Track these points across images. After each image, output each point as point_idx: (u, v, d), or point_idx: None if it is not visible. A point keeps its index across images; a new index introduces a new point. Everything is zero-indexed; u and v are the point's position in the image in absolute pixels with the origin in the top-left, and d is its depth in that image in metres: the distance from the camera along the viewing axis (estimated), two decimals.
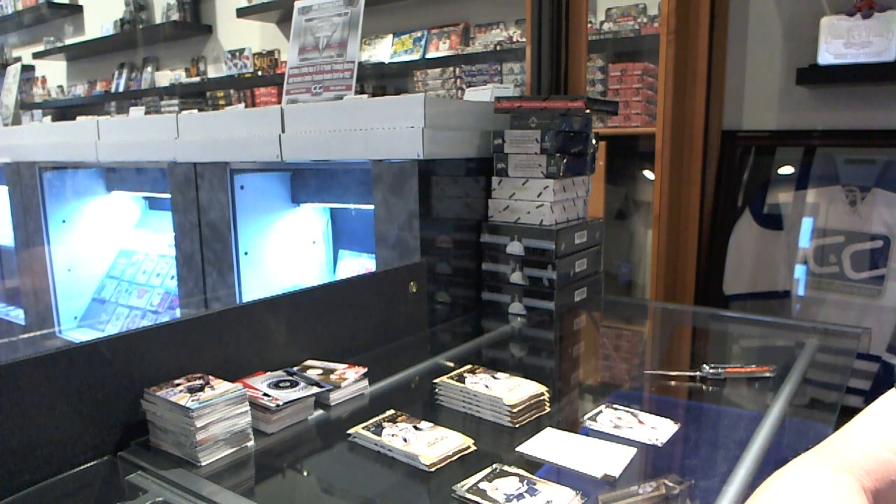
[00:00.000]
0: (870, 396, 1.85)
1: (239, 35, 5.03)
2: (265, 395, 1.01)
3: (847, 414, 1.07)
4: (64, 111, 6.52)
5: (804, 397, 1.18)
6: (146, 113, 2.48)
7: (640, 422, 1.02)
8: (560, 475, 0.88)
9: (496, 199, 1.70)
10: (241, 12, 4.60)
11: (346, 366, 1.17)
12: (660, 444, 0.95)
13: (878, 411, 0.69)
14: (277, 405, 0.99)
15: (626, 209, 2.81)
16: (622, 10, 3.15)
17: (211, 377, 0.98)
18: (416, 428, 0.97)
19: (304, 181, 2.06)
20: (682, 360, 1.53)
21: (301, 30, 1.92)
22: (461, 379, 1.11)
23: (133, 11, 5.62)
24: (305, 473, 0.95)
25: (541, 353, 1.52)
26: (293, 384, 1.07)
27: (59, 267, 2.63)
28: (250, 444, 0.95)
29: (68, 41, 6.44)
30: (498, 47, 3.56)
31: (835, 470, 0.63)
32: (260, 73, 4.75)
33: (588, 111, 1.62)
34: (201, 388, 0.93)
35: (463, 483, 0.83)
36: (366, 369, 1.15)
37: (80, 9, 6.39)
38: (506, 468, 0.86)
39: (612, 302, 1.92)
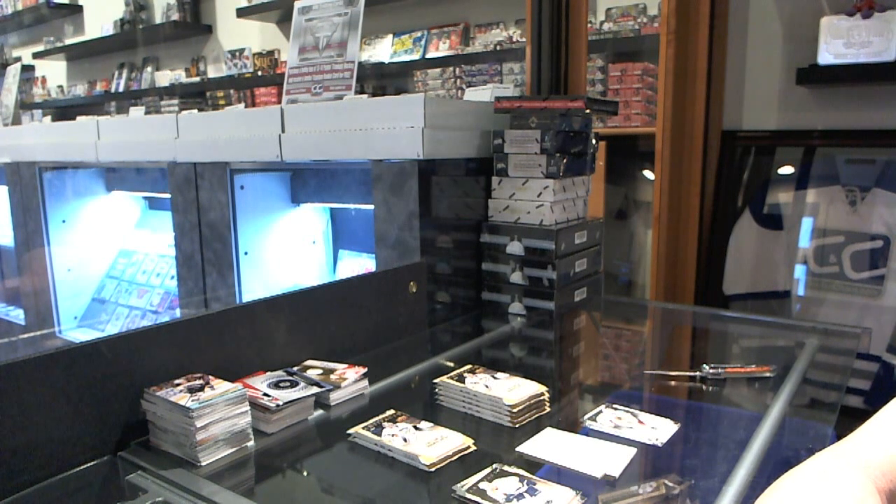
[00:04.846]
0: (870, 396, 1.86)
1: (239, 35, 5.03)
2: (265, 395, 1.01)
3: (847, 414, 1.07)
4: (64, 111, 6.52)
5: (804, 397, 1.18)
6: (146, 113, 2.48)
7: (640, 422, 1.02)
8: (560, 475, 0.88)
9: (496, 199, 1.70)
10: (241, 12, 4.60)
11: (346, 366, 1.17)
12: (660, 444, 0.95)
13: (894, 412, 0.69)
14: (277, 405, 0.99)
15: (626, 209, 2.81)
16: (622, 10, 3.15)
17: (211, 377, 0.98)
18: (416, 428, 0.97)
19: (304, 181, 2.06)
20: (682, 360, 1.53)
21: (301, 30, 1.92)
22: (461, 379, 1.11)
23: (133, 11, 5.62)
24: (305, 473, 0.95)
25: (541, 353, 1.52)
26: (293, 384, 1.07)
27: (59, 267, 2.63)
28: (250, 444, 0.95)
29: (68, 41, 6.44)
30: (498, 47, 3.56)
31: (849, 469, 0.63)
32: (260, 73, 4.75)
33: (588, 111, 1.62)
34: (201, 388, 0.93)
35: (463, 483, 0.83)
36: (366, 369, 1.15)
37: (80, 9, 6.39)
38: (506, 468, 0.86)
39: (612, 302, 1.92)
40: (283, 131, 1.74)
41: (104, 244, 2.80)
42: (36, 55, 6.60)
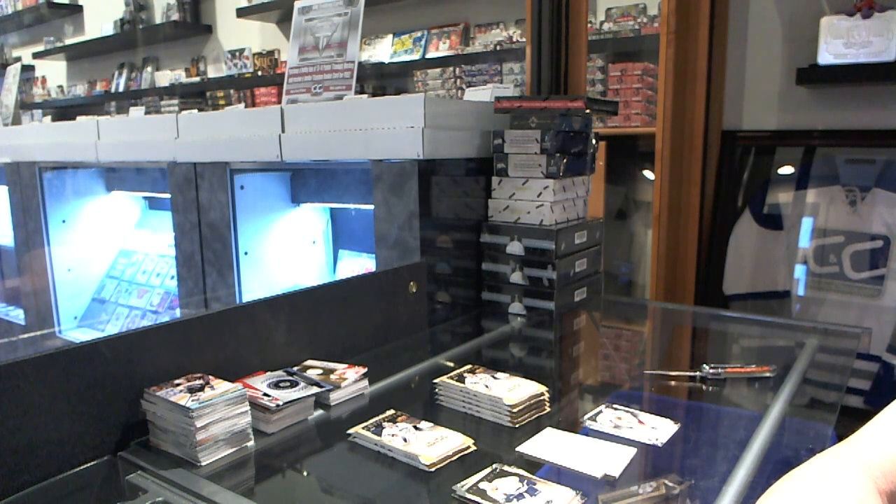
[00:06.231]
0: (870, 396, 1.86)
1: (239, 35, 5.03)
2: (265, 395, 1.01)
3: (847, 414, 1.07)
4: (64, 111, 6.52)
5: (804, 397, 1.18)
6: (146, 113, 2.48)
7: (640, 422, 1.02)
8: (560, 475, 0.88)
9: (496, 199, 1.70)
10: (241, 12, 4.60)
11: (346, 366, 1.17)
12: (660, 444, 0.95)
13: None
14: (277, 405, 0.99)
15: (626, 209, 2.81)
16: (622, 10, 3.15)
17: (211, 377, 0.98)
18: (416, 428, 0.97)
19: (304, 181, 2.06)
20: (682, 360, 1.53)
21: (301, 30, 1.92)
22: (461, 379, 1.11)
23: (133, 11, 5.62)
24: (305, 473, 0.95)
25: (541, 353, 1.52)
26: (293, 384, 1.07)
27: (59, 267, 2.63)
28: (250, 444, 0.95)
29: (68, 41, 6.44)
30: (498, 47, 3.56)
31: (850, 470, 0.63)
32: (260, 73, 4.75)
33: (588, 111, 1.62)
34: (201, 388, 0.93)
35: (463, 483, 0.83)
36: (366, 369, 1.15)
37: (80, 9, 6.39)
38: (506, 468, 0.86)
39: (612, 302, 1.92)
40: (283, 131, 1.74)
41: (104, 244, 2.80)
42: (36, 55, 6.60)
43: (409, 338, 1.46)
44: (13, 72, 3.11)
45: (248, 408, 0.95)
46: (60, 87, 6.74)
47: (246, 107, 3.24)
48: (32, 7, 6.40)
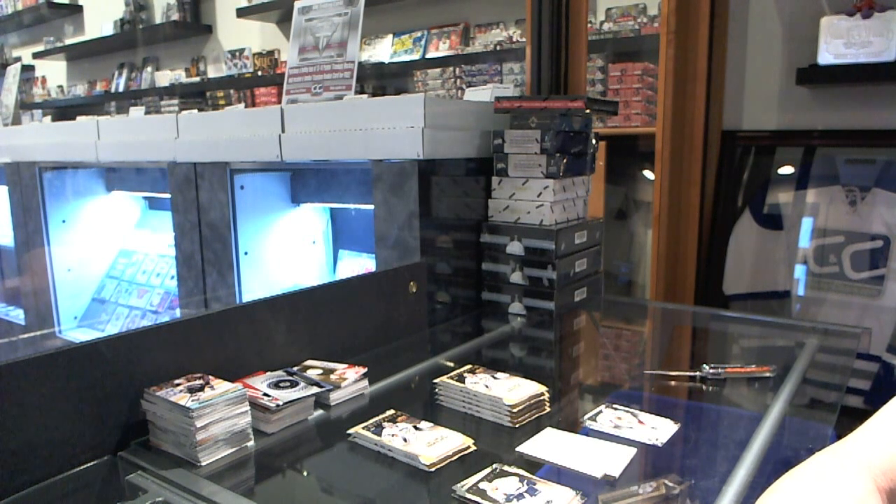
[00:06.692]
0: (870, 396, 1.85)
1: (239, 35, 5.03)
2: (265, 395, 1.01)
3: (847, 414, 1.07)
4: (64, 111, 6.52)
5: (804, 397, 1.18)
6: (146, 113, 2.48)
7: (640, 422, 1.02)
8: (560, 475, 0.88)
9: (496, 199, 1.70)
10: (241, 12, 4.61)
11: (346, 366, 1.17)
12: (660, 444, 0.95)
13: (894, 411, 0.69)
14: (277, 405, 0.99)
15: (626, 209, 2.81)
16: (622, 10, 3.15)
17: (211, 377, 0.98)
18: (416, 428, 0.97)
19: (304, 181, 2.06)
20: (682, 360, 1.53)
21: (301, 30, 1.92)
22: (461, 379, 1.11)
23: (133, 11, 5.62)
24: (305, 473, 0.95)
25: (541, 353, 1.52)
26: (293, 384, 1.07)
27: (59, 267, 2.63)
28: (250, 444, 0.95)
29: (68, 41, 6.44)
30: (498, 47, 3.56)
31: (849, 469, 0.63)
32: (260, 73, 4.75)
33: (588, 111, 1.62)
34: (201, 388, 0.93)
35: (463, 483, 0.83)
36: (366, 369, 1.15)
37: (80, 9, 6.39)
38: (506, 468, 0.86)
39: (612, 302, 1.92)
40: (283, 131, 1.74)
41: (104, 244, 2.80)
42: (36, 55, 6.60)
43: (409, 338, 1.46)
44: (13, 72, 3.11)
45: (248, 408, 0.95)
46: (60, 87, 6.74)
47: (246, 107, 3.24)
48: (32, 7, 6.40)
